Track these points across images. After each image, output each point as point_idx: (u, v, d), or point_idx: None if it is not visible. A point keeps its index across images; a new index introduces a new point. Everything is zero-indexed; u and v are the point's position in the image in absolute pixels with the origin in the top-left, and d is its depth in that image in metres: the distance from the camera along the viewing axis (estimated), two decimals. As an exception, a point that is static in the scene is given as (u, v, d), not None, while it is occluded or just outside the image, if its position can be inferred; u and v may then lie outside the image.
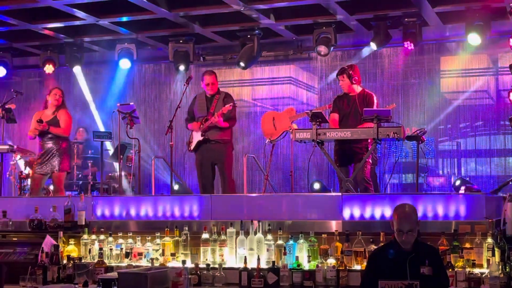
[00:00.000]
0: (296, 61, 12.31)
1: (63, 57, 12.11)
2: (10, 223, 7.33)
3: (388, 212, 6.32)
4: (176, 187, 9.58)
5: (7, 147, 9.21)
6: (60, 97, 9.01)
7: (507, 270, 5.58)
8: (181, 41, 11.52)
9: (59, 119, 8.91)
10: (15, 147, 9.53)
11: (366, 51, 11.27)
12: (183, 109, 9.18)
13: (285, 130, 9.17)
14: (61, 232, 6.90)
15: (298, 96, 12.61)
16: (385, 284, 4.36)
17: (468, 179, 10.87)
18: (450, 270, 5.57)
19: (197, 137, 8.68)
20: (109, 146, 11.24)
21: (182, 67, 11.63)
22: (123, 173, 10.08)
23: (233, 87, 11.89)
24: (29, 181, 10.17)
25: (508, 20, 9.94)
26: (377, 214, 6.43)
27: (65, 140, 9.00)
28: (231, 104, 8.55)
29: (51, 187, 9.43)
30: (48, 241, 6.67)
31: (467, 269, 5.69)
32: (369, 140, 7.75)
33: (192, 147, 8.74)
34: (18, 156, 10.27)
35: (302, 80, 12.69)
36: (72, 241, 6.92)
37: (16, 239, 7.14)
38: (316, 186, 10.64)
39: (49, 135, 8.86)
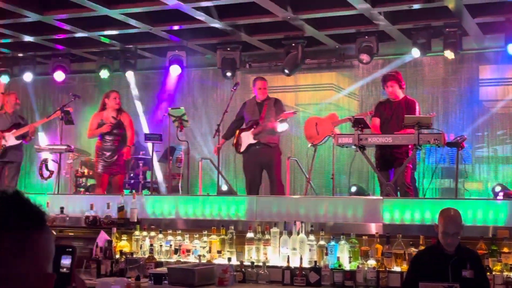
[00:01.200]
0: (339, 68, 12.25)
1: (118, 63, 12.26)
2: (67, 218, 7.46)
3: (428, 216, 6.26)
4: (224, 187, 9.62)
5: (65, 147, 9.37)
6: (119, 99, 9.14)
7: (545, 275, 5.48)
8: (228, 49, 11.56)
9: (124, 122, 9.01)
10: (72, 147, 9.69)
11: (406, 60, 11.16)
12: (230, 113, 9.22)
13: (327, 135, 9.13)
14: (115, 228, 7.00)
15: (340, 102, 12.55)
16: (425, 286, 4.31)
17: (505, 185, 10.69)
18: (488, 274, 5.48)
19: (247, 139, 8.69)
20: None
21: (229, 74, 11.68)
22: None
23: (277, 93, 11.87)
24: (84, 179, 10.36)
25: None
26: (417, 218, 6.37)
27: (122, 142, 9.09)
28: (294, 111, 8.62)
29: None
30: (102, 237, 6.76)
31: (505, 273, 5.60)
32: (409, 146, 7.67)
33: (241, 150, 8.77)
34: (71, 158, 10.43)
35: (343, 87, 12.63)
36: (124, 237, 7.01)
37: (72, 234, 7.27)
38: (353, 189, 10.55)
39: (109, 137, 8.96)
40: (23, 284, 1.38)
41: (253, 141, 8.66)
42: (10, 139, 9.51)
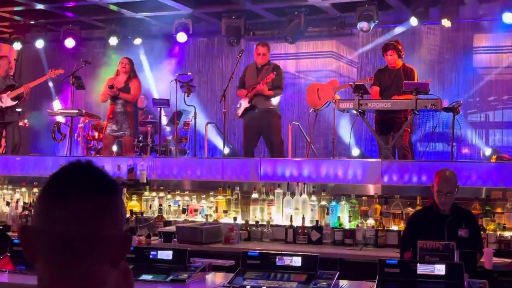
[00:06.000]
0: (339, 36, 12.13)
1: (126, 30, 12.15)
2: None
3: (424, 178, 6.26)
4: (226, 150, 9.60)
5: (76, 111, 9.33)
6: (127, 64, 9.04)
7: (536, 234, 5.49)
8: (233, 17, 11.44)
9: (130, 86, 8.96)
10: (84, 111, 9.65)
11: (405, 28, 11.04)
12: (235, 79, 9.13)
13: (328, 100, 9.06)
14: (125, 189, 7.00)
15: (339, 69, 12.47)
16: (423, 244, 4.31)
17: (495, 149, 10.69)
18: (482, 232, 5.50)
19: (244, 103, 8.56)
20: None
21: (233, 41, 11.58)
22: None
23: (279, 60, 11.78)
24: (95, 142, 10.34)
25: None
26: (414, 179, 6.37)
27: (133, 106, 9.05)
28: (275, 73, 8.42)
29: (114, 148, 9.53)
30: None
31: (498, 232, 5.62)
32: (408, 111, 7.62)
33: (240, 113, 8.65)
34: (82, 122, 10.39)
35: (343, 55, 12.53)
36: (134, 197, 7.02)
37: (84, 194, 7.24)
38: (356, 152, 10.52)
39: (120, 101, 8.92)
40: (107, 244, 1.40)
41: (248, 105, 8.50)
42: (6, 101, 9.46)
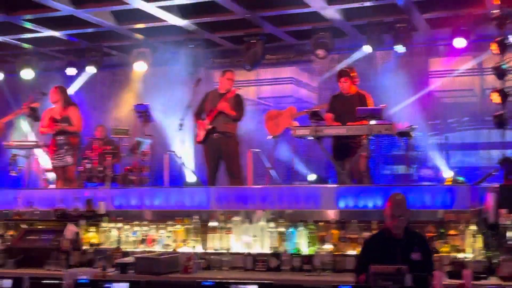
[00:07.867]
0: (297, 63, 12.32)
1: (84, 60, 12.12)
2: (37, 212, 7.37)
3: (380, 202, 6.33)
4: (191, 179, 9.57)
5: (33, 143, 9.25)
6: (53, 94, 8.86)
7: (488, 255, 5.60)
8: (192, 46, 11.52)
9: (70, 117, 8.83)
10: (40, 143, 9.56)
11: (360, 54, 11.25)
12: (193, 108, 9.14)
13: (286, 127, 9.15)
14: (83, 221, 6.94)
15: (299, 95, 12.63)
16: (376, 269, 4.37)
17: (456, 170, 10.89)
18: (436, 255, 5.58)
19: (204, 127, 8.48)
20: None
21: (192, 69, 11.63)
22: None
23: (239, 87, 11.87)
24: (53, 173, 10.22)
25: (490, 25, 9.90)
26: (370, 204, 6.44)
27: (77, 137, 8.92)
28: (237, 89, 8.42)
29: None
30: (69, 229, 6.70)
31: (452, 254, 5.70)
32: (363, 136, 7.73)
33: (200, 138, 8.53)
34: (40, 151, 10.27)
35: (302, 80, 12.69)
36: (92, 229, 6.95)
37: (42, 227, 7.17)
38: (313, 177, 10.60)
39: (62, 132, 8.80)
40: None
41: (209, 127, 8.41)
42: None
